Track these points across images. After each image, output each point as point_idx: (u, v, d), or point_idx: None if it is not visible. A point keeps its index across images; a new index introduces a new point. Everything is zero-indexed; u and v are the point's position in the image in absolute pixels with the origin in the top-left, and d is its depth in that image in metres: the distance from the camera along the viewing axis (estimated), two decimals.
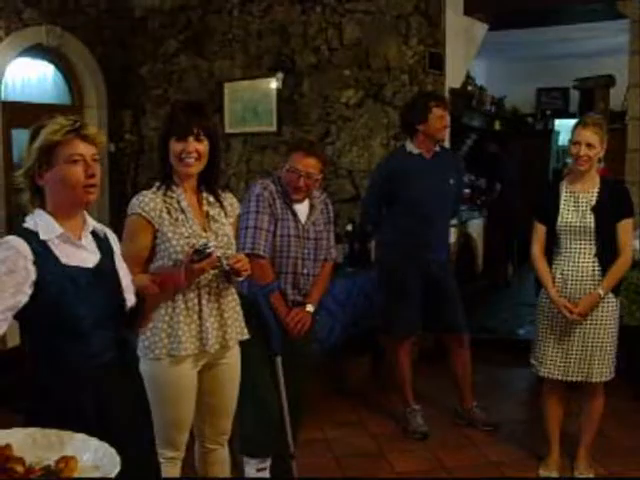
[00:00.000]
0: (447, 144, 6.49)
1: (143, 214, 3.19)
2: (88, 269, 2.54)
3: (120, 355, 2.62)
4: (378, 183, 5.37)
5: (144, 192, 3.27)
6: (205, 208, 3.33)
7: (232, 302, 3.39)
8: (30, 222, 2.49)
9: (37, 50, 7.29)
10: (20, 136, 7.12)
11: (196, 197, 3.33)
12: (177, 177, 3.29)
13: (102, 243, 2.67)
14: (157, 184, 3.29)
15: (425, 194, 5.10)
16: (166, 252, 3.20)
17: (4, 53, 6.88)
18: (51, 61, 7.60)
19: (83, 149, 2.48)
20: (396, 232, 5.25)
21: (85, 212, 2.63)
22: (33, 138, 2.50)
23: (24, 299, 2.38)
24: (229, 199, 3.47)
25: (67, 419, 2.35)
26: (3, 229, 6.88)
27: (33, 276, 2.39)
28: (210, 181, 3.36)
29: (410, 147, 5.19)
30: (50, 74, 7.67)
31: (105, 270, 2.62)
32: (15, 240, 2.40)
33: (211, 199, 3.37)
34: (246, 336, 3.45)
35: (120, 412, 2.56)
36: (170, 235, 3.19)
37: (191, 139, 3.20)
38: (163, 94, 8.02)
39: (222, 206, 3.40)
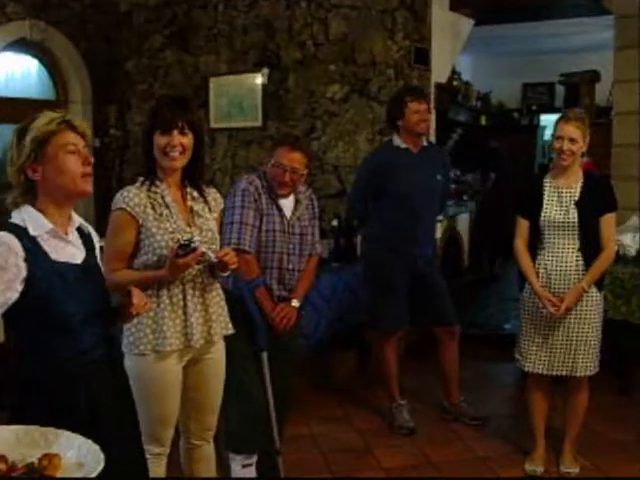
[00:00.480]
0: (433, 139, 6.51)
1: (128, 209, 3.17)
2: (76, 265, 2.53)
3: (108, 352, 2.62)
4: (365, 177, 5.36)
5: (128, 187, 3.25)
6: (189, 203, 3.32)
7: (217, 297, 3.38)
8: (17, 218, 2.47)
9: (21, 45, 7.24)
10: (4, 131, 7.09)
11: (180, 192, 3.32)
12: (161, 172, 3.27)
13: (86, 239, 2.66)
14: (141, 179, 3.28)
15: (412, 188, 5.09)
16: (150, 247, 3.19)
17: None
18: (35, 56, 7.55)
19: (75, 139, 2.50)
20: (382, 227, 5.25)
21: (71, 208, 2.62)
22: (22, 135, 2.48)
23: (14, 296, 2.36)
24: (213, 194, 3.46)
25: (57, 416, 2.36)
26: None
27: (24, 273, 2.37)
28: (194, 176, 3.35)
29: (397, 142, 5.20)
30: (34, 69, 7.63)
31: (91, 266, 2.62)
32: (6, 236, 2.38)
33: (195, 194, 3.35)
34: (231, 331, 3.44)
35: (109, 409, 2.56)
36: (154, 230, 3.18)
37: (175, 132, 3.18)
38: (148, 89, 8.00)
39: (206, 201, 3.38)
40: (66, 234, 2.55)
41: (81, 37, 7.71)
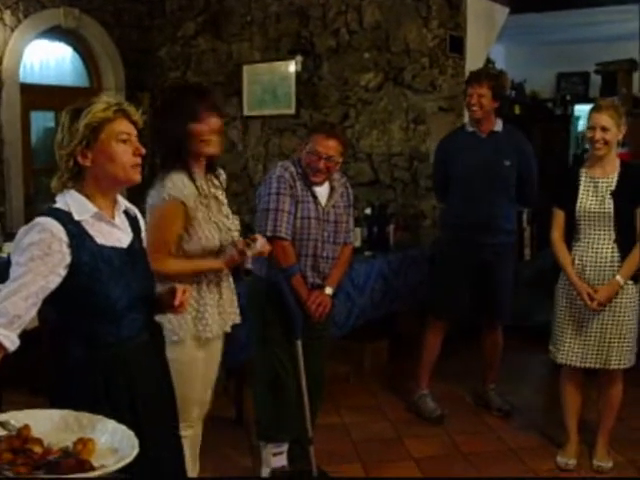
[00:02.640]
0: None
1: (183, 199, 3.16)
2: (122, 249, 2.51)
3: (151, 338, 2.62)
4: (436, 161, 5.43)
5: (176, 176, 3.18)
6: (212, 190, 3.33)
7: (229, 287, 3.41)
8: (61, 202, 2.45)
9: (55, 32, 7.30)
10: (38, 118, 7.14)
11: (206, 182, 3.33)
12: (194, 161, 3.26)
13: (133, 222, 2.65)
14: (180, 170, 3.22)
15: (470, 172, 5.04)
16: (195, 237, 3.20)
17: (22, 35, 6.88)
18: (69, 43, 7.61)
19: (129, 128, 2.49)
20: (448, 212, 5.31)
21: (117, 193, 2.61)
22: (74, 118, 2.45)
23: (57, 280, 2.34)
24: (222, 175, 3.49)
25: (98, 401, 2.37)
26: (21, 211, 6.90)
27: (68, 259, 2.35)
28: (212, 162, 3.37)
29: (467, 125, 5.21)
30: (68, 56, 7.68)
31: (137, 250, 2.61)
32: (49, 222, 2.35)
33: (215, 181, 3.38)
34: (238, 320, 3.46)
35: (150, 396, 2.57)
36: (202, 222, 3.21)
37: (214, 120, 3.19)
38: (182, 76, 8.01)
39: (221, 184, 3.43)
40: (112, 218, 2.53)
41: (115, 24, 7.74)
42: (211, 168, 3.37)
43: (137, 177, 2.52)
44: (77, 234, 2.38)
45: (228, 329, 3.40)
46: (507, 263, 5.28)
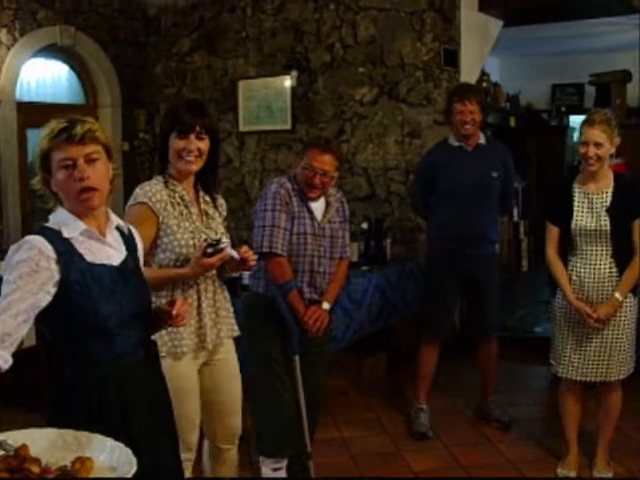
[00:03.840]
0: None
1: (149, 204, 3.17)
2: (113, 267, 2.49)
3: (146, 355, 2.60)
4: (419, 175, 5.42)
5: (148, 182, 3.26)
6: (202, 206, 3.35)
7: (224, 299, 3.40)
8: (53, 221, 2.45)
9: (51, 50, 7.33)
10: (35, 136, 7.15)
11: (194, 195, 3.34)
12: (177, 174, 3.28)
13: (127, 240, 2.63)
14: (159, 177, 3.28)
15: (461, 186, 5.04)
16: (169, 245, 3.19)
17: (19, 53, 6.91)
18: (65, 61, 7.63)
19: (73, 152, 2.37)
20: (435, 226, 5.28)
21: (109, 209, 2.59)
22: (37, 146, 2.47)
23: (46, 298, 2.33)
24: (219, 199, 3.50)
25: (91, 419, 2.36)
26: (19, 229, 6.90)
27: (57, 276, 2.34)
28: (208, 180, 3.38)
29: (451, 139, 5.18)
30: (64, 74, 7.70)
31: (131, 268, 2.58)
32: (36, 240, 2.35)
33: (207, 198, 3.39)
34: (237, 333, 3.45)
35: (143, 414, 2.55)
36: (175, 228, 3.19)
37: (192, 137, 3.20)
38: (177, 93, 8.03)
39: (215, 206, 3.43)
40: (103, 235, 2.52)
41: (110, 42, 7.77)
42: (203, 185, 3.37)
43: (90, 203, 2.42)
44: (65, 252, 2.38)
45: (225, 341, 3.38)
46: (494, 273, 5.31)
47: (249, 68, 7.64)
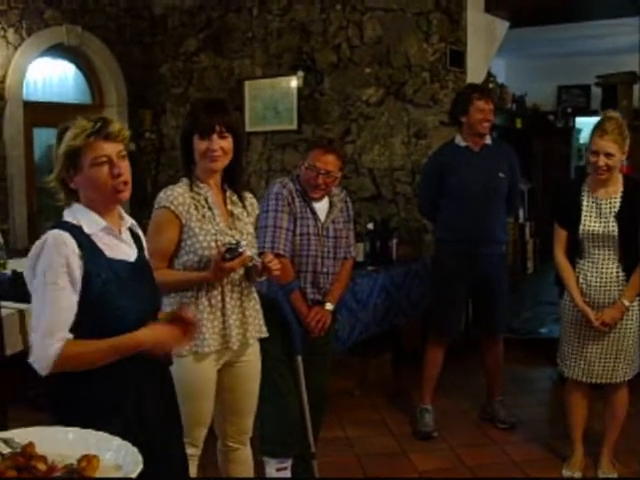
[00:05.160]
0: None
1: (172, 208, 3.18)
2: (130, 263, 2.53)
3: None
4: (427, 176, 5.41)
5: (171, 186, 3.26)
6: (229, 207, 3.34)
7: (252, 300, 3.40)
8: (69, 216, 2.48)
9: (58, 50, 7.35)
10: (41, 135, 7.18)
11: (221, 195, 3.34)
12: (202, 174, 3.29)
13: (137, 239, 2.67)
14: (184, 179, 3.29)
15: (470, 187, 5.03)
16: (192, 248, 3.20)
17: (26, 53, 6.93)
18: (72, 60, 7.65)
19: (107, 149, 2.44)
20: (444, 227, 5.26)
21: (121, 208, 2.63)
22: (59, 141, 2.47)
23: (78, 291, 2.38)
24: (249, 199, 3.48)
25: (108, 416, 2.37)
26: (25, 228, 6.92)
27: (80, 270, 2.37)
28: (234, 179, 3.37)
29: (458, 140, 5.16)
30: (71, 73, 7.72)
31: (144, 265, 2.63)
32: (62, 235, 2.38)
33: (234, 198, 3.38)
34: (265, 334, 3.45)
35: (156, 410, 2.57)
36: (197, 231, 3.19)
37: (215, 137, 3.20)
38: (184, 92, 8.05)
39: (244, 206, 3.41)
40: (119, 232, 2.56)
41: (117, 41, 7.79)
42: (230, 184, 3.37)
43: (121, 196, 2.49)
44: (87, 246, 2.41)
45: (252, 342, 3.40)
46: (503, 274, 5.31)
47: (255, 68, 7.65)
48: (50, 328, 2.33)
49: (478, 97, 5.02)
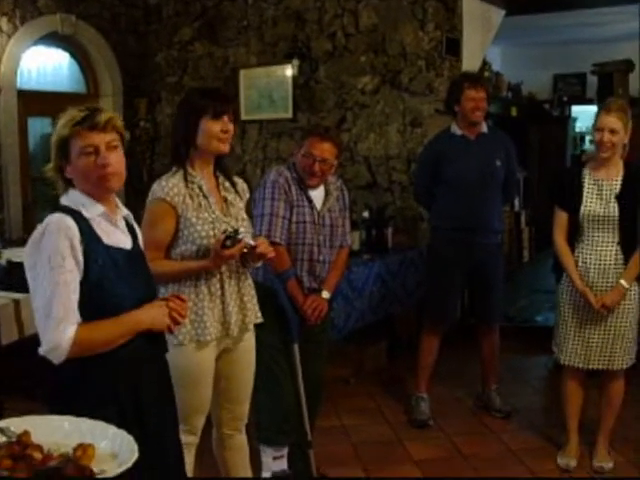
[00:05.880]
0: None
1: (167, 199, 3.18)
2: (126, 250, 2.54)
3: (154, 340, 2.61)
4: (422, 165, 5.41)
5: (165, 177, 3.25)
6: (223, 193, 3.35)
7: (248, 286, 3.42)
8: (68, 201, 2.48)
9: (52, 38, 7.32)
10: (35, 125, 7.16)
11: (214, 182, 3.35)
12: (198, 161, 3.29)
13: (131, 229, 2.67)
14: (175, 169, 3.28)
15: (465, 175, 5.03)
16: (190, 237, 3.20)
17: (20, 42, 6.89)
18: (66, 49, 7.62)
19: (95, 139, 2.42)
20: (439, 215, 5.25)
21: (116, 197, 2.62)
22: (52, 133, 2.49)
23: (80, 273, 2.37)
24: (240, 184, 3.51)
25: (104, 404, 2.38)
26: (20, 218, 6.90)
27: (81, 255, 2.37)
28: (225, 164, 3.40)
29: (454, 128, 5.16)
30: (65, 62, 7.69)
31: (139, 253, 2.64)
32: (64, 218, 2.38)
33: (227, 184, 3.40)
34: (260, 319, 3.47)
35: (152, 398, 2.57)
36: (194, 220, 3.19)
37: (226, 118, 3.23)
38: (178, 81, 8.03)
39: (236, 191, 3.42)
40: (116, 221, 2.56)
41: (111, 30, 7.77)
42: (221, 169, 3.39)
43: (108, 186, 2.48)
44: (87, 231, 2.41)
45: (250, 327, 3.42)
46: (499, 262, 5.32)
47: (250, 57, 7.63)
48: (65, 312, 2.32)
49: (468, 86, 5.02)
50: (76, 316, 2.34)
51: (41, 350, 2.34)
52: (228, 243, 3.08)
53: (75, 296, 2.35)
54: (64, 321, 2.31)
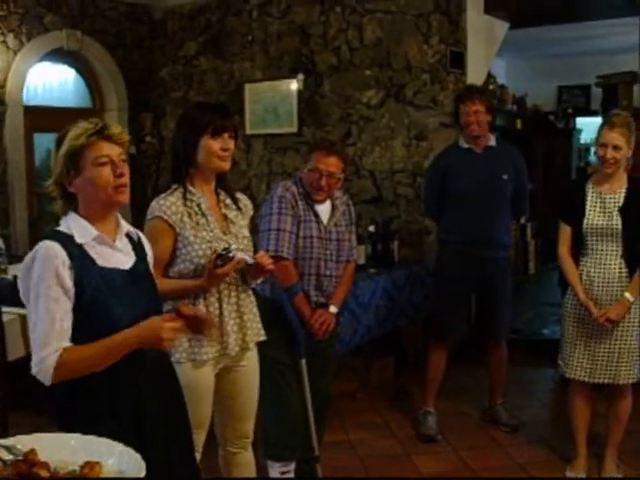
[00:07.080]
0: None
1: (165, 217, 3.17)
2: (124, 271, 2.53)
3: (157, 358, 2.60)
4: (430, 179, 5.40)
5: (164, 195, 3.25)
6: (223, 211, 3.33)
7: (250, 304, 3.39)
8: (64, 226, 2.49)
9: (58, 54, 7.36)
10: (41, 140, 7.18)
11: (214, 199, 3.34)
12: (199, 178, 3.27)
13: (136, 246, 2.66)
14: (174, 186, 3.27)
15: (470, 189, 5.02)
16: (187, 256, 3.19)
17: (25, 58, 6.93)
18: (72, 65, 7.66)
19: (109, 150, 2.46)
20: (447, 229, 5.24)
21: (119, 215, 2.63)
22: (59, 145, 2.48)
23: (72, 299, 2.40)
24: (243, 200, 3.48)
25: (104, 422, 2.38)
26: (26, 233, 6.91)
27: (71, 280, 2.38)
28: (228, 182, 3.39)
29: (461, 142, 5.16)
30: (71, 78, 7.73)
31: (141, 272, 2.62)
32: (52, 246, 2.39)
33: (228, 201, 3.37)
34: (263, 337, 3.45)
35: (156, 416, 2.56)
36: (192, 239, 3.18)
37: (226, 136, 3.22)
38: (184, 96, 8.05)
39: (238, 208, 3.41)
40: (113, 241, 2.55)
41: (117, 46, 7.80)
42: (222, 186, 3.37)
43: (121, 198, 2.51)
44: (78, 256, 2.42)
45: (251, 346, 3.38)
46: (507, 277, 5.29)
47: (255, 71, 7.65)
48: (45, 340, 2.36)
49: (463, 100, 5.04)
50: (57, 343, 2.36)
51: (32, 371, 2.39)
52: (219, 262, 3.05)
53: (62, 323, 2.37)
54: (47, 346, 2.35)
